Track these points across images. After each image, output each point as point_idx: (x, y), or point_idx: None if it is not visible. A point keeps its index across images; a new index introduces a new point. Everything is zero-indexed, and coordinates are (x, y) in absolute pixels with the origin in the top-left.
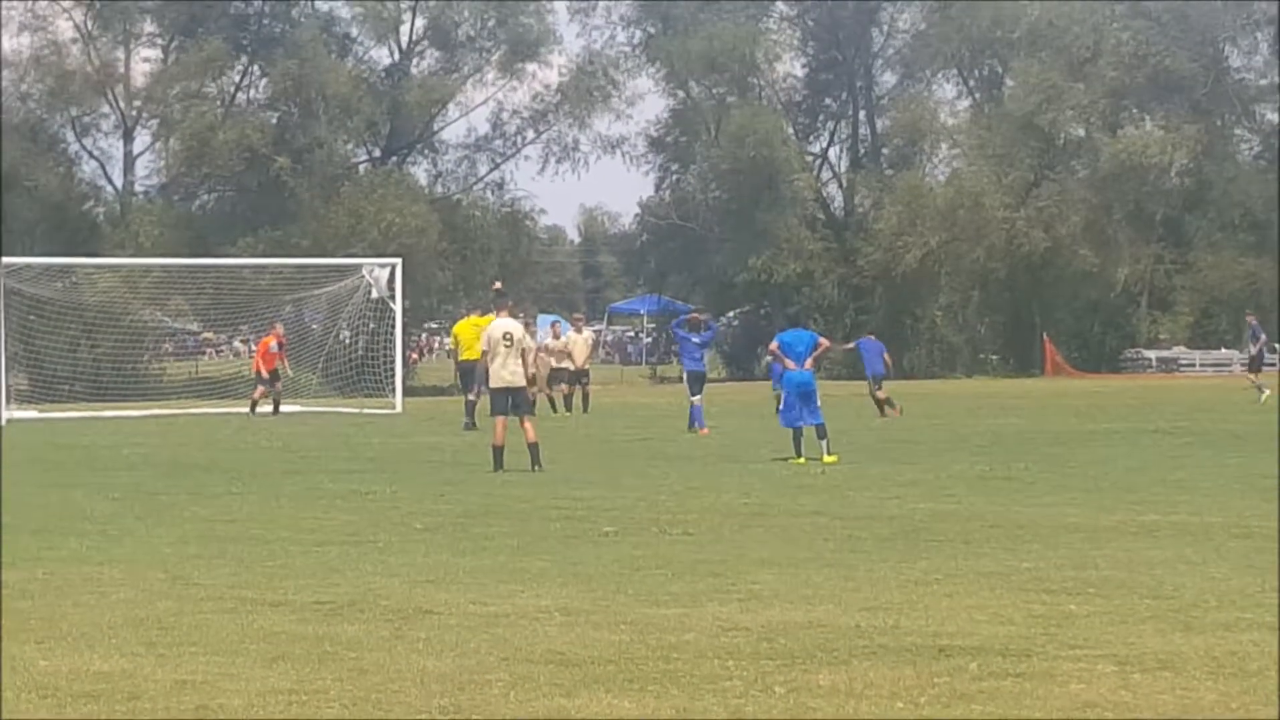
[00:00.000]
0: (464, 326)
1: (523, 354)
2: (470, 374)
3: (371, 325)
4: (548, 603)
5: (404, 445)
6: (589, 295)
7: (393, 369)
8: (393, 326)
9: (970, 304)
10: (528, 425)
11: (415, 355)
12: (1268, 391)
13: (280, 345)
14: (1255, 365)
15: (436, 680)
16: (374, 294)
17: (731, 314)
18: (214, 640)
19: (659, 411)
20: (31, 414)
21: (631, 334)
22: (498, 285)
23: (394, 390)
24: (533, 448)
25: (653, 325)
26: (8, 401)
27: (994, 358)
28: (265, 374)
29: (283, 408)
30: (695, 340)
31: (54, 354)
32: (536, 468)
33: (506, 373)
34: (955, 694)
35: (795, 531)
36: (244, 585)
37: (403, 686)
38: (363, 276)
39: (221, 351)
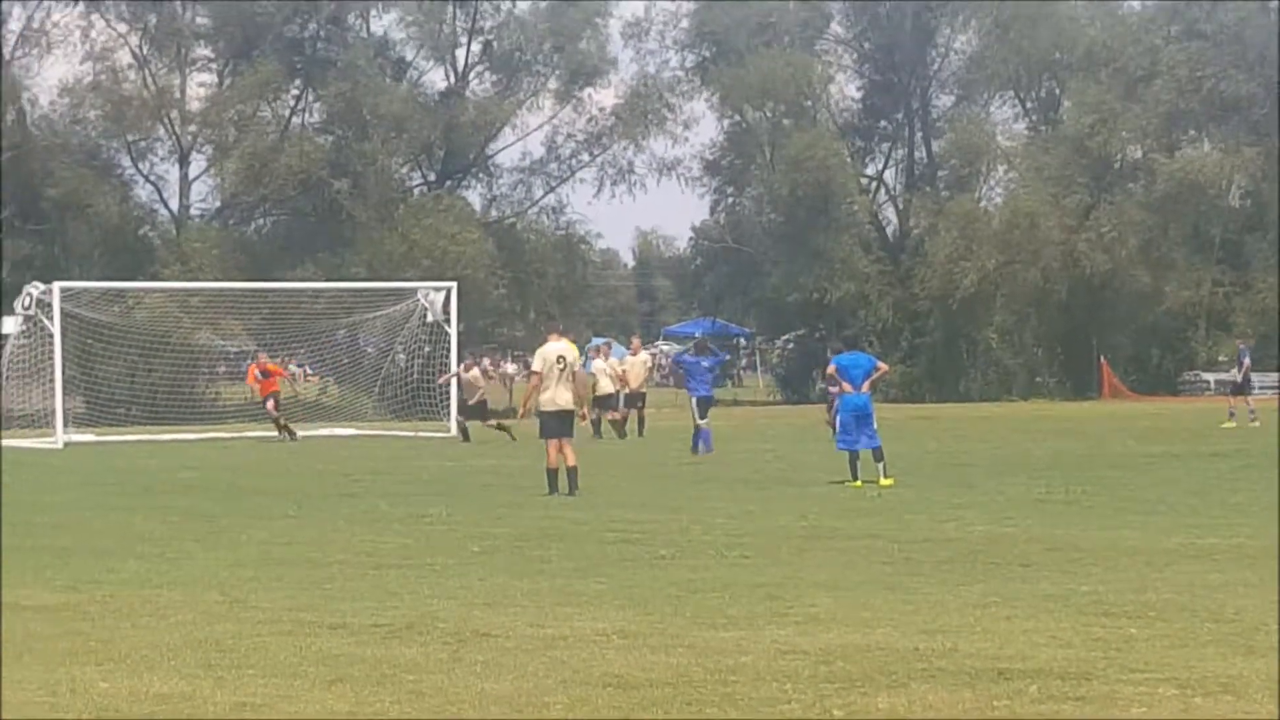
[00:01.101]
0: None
1: (573, 377)
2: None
3: (427, 349)
4: (605, 625)
5: (459, 468)
6: (644, 318)
7: (448, 392)
8: (448, 350)
9: (1026, 326)
10: (568, 450)
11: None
12: (1234, 423)
13: (265, 374)
14: (1241, 389)
15: (495, 703)
16: (429, 318)
17: (786, 337)
18: (272, 663)
19: (715, 434)
20: (89, 437)
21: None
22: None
23: (449, 414)
24: (572, 472)
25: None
26: (66, 425)
27: (1050, 380)
28: (273, 393)
29: (331, 431)
30: (705, 364)
31: (111, 377)
32: (576, 492)
33: (560, 396)
34: (1015, 718)
35: (852, 554)
36: (302, 608)
37: (461, 709)
38: (418, 300)
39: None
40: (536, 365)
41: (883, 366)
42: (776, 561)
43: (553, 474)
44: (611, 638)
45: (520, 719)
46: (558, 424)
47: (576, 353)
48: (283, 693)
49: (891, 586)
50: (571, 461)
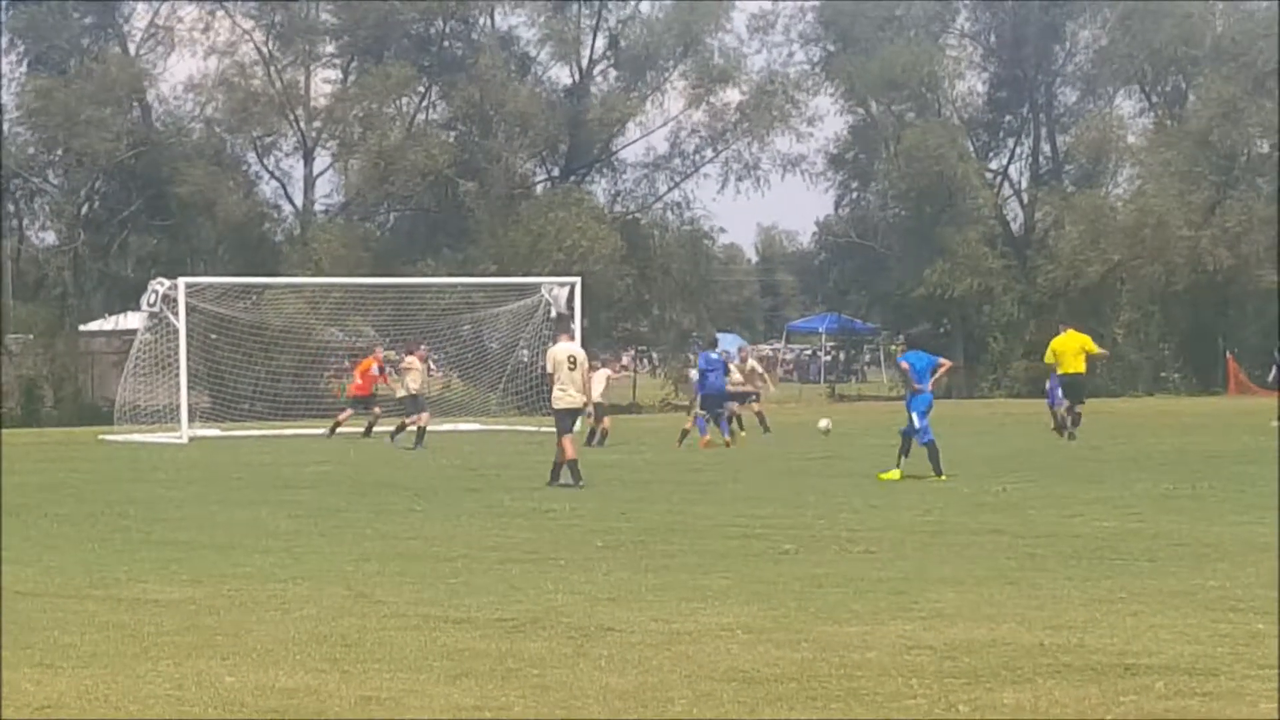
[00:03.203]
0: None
1: (583, 375)
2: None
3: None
4: (729, 620)
5: (584, 463)
6: (767, 314)
7: None
8: None
9: (1152, 322)
10: (571, 443)
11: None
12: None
13: (381, 368)
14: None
15: (619, 697)
16: (553, 313)
17: (912, 331)
18: (397, 657)
19: (839, 429)
20: (214, 432)
21: (810, 353)
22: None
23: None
24: (572, 464)
25: (832, 344)
26: (191, 420)
27: (1176, 376)
28: (361, 397)
29: (455, 426)
30: (714, 355)
31: (235, 373)
32: (580, 483)
33: (569, 394)
34: (1142, 713)
35: (977, 549)
36: (426, 602)
37: (585, 703)
38: (542, 295)
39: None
40: (549, 366)
41: (945, 363)
42: (901, 556)
43: (573, 466)
44: (736, 632)
45: (644, 714)
46: (569, 420)
47: (584, 354)
48: (408, 687)
49: (1017, 582)
50: (571, 454)
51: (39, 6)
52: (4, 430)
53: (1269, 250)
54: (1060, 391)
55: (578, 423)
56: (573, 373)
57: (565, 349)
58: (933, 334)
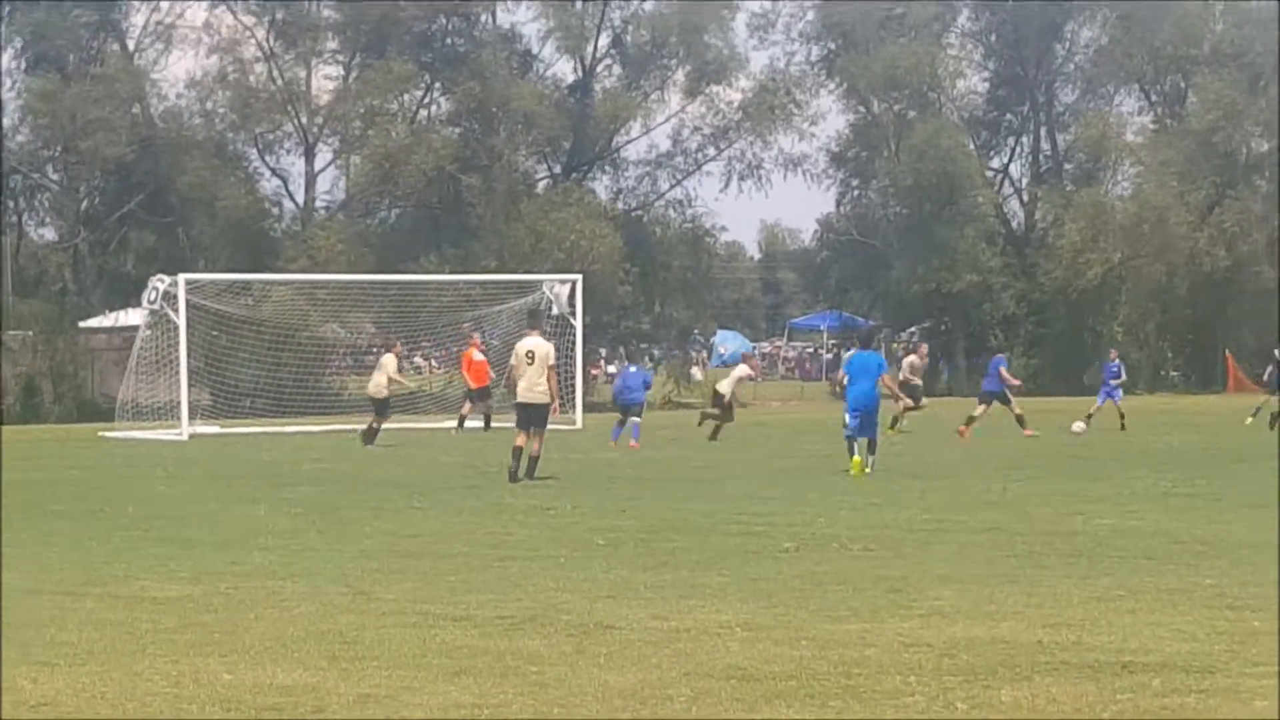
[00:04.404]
0: None
1: (547, 373)
2: None
3: (552, 341)
4: (729, 618)
5: (584, 461)
6: (768, 311)
7: (573, 385)
8: (573, 343)
9: (1151, 320)
10: (536, 441)
11: (596, 372)
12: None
13: (483, 353)
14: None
15: (618, 695)
16: (555, 310)
17: (911, 329)
18: (396, 654)
19: (838, 426)
20: (214, 429)
21: (812, 350)
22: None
23: (574, 406)
24: (532, 460)
25: (834, 341)
26: (191, 417)
27: (1175, 374)
28: (475, 388)
29: (445, 423)
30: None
31: (236, 370)
32: (534, 479)
33: (525, 389)
34: (1138, 710)
35: (976, 547)
36: (426, 600)
37: (584, 701)
38: (544, 293)
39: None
40: (512, 360)
41: (887, 378)
42: (900, 555)
43: (516, 452)
44: (735, 630)
45: (642, 712)
46: (524, 414)
47: (548, 349)
48: (406, 684)
49: (1016, 579)
50: (534, 452)
51: (38, 5)
52: (4, 427)
53: (1267, 249)
54: None
55: (545, 422)
56: (531, 367)
57: (526, 344)
58: (934, 331)
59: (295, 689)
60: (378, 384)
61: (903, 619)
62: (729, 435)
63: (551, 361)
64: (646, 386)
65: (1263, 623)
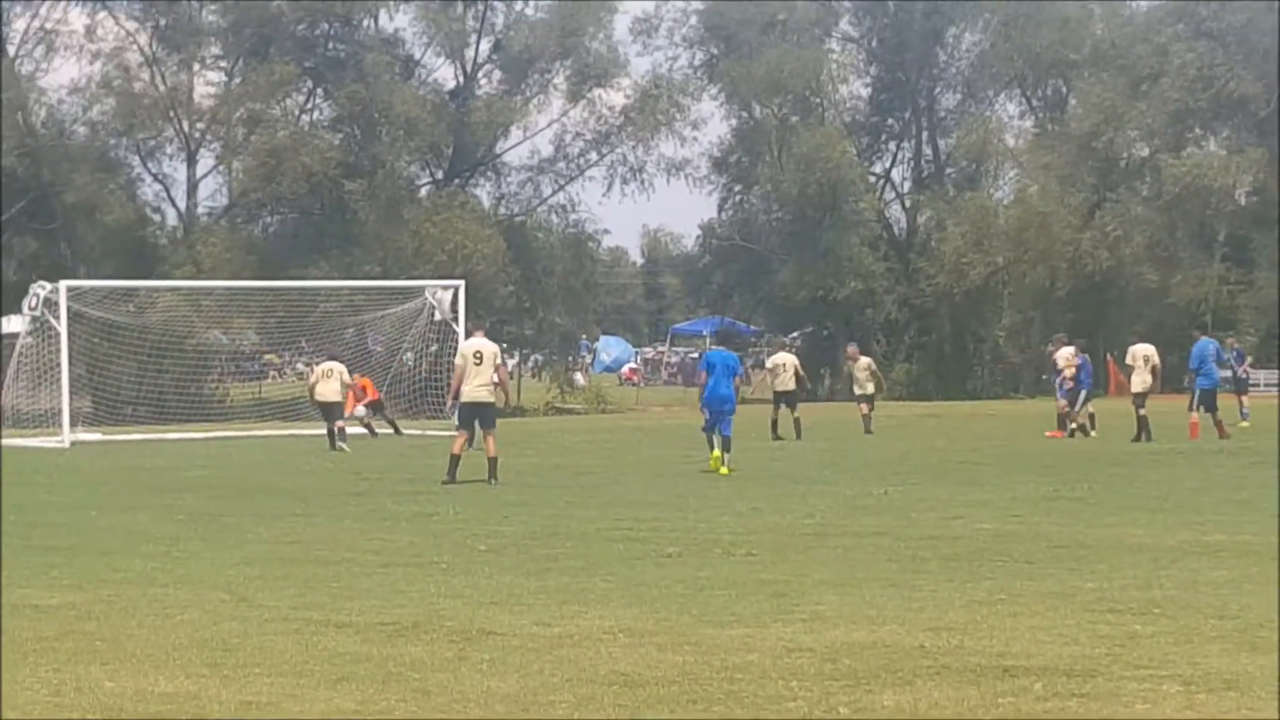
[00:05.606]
0: None
1: (496, 371)
2: None
3: (434, 347)
4: (611, 624)
5: (467, 466)
6: (651, 317)
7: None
8: (455, 349)
9: (1033, 325)
10: (490, 440)
11: None
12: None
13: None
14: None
15: (501, 701)
16: (437, 316)
17: (795, 334)
18: (278, 661)
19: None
20: (96, 436)
21: (695, 355)
22: None
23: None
24: (491, 462)
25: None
26: (73, 424)
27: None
28: (372, 400)
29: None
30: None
31: (118, 377)
32: (493, 481)
33: (472, 389)
34: (1020, 714)
35: (859, 552)
36: (308, 606)
37: (467, 707)
38: (426, 299)
39: (284, 374)
40: (457, 360)
41: (738, 381)
42: (783, 559)
43: (454, 460)
44: (617, 636)
45: (526, 717)
46: (470, 414)
47: (495, 349)
48: (288, 691)
49: (898, 584)
50: (492, 452)
51: None
52: None
53: (1148, 250)
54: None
55: (494, 422)
56: (480, 367)
57: (473, 344)
58: (816, 336)
59: (177, 696)
60: (331, 390)
61: (785, 624)
62: (613, 440)
63: (499, 361)
64: None
65: (1143, 626)
